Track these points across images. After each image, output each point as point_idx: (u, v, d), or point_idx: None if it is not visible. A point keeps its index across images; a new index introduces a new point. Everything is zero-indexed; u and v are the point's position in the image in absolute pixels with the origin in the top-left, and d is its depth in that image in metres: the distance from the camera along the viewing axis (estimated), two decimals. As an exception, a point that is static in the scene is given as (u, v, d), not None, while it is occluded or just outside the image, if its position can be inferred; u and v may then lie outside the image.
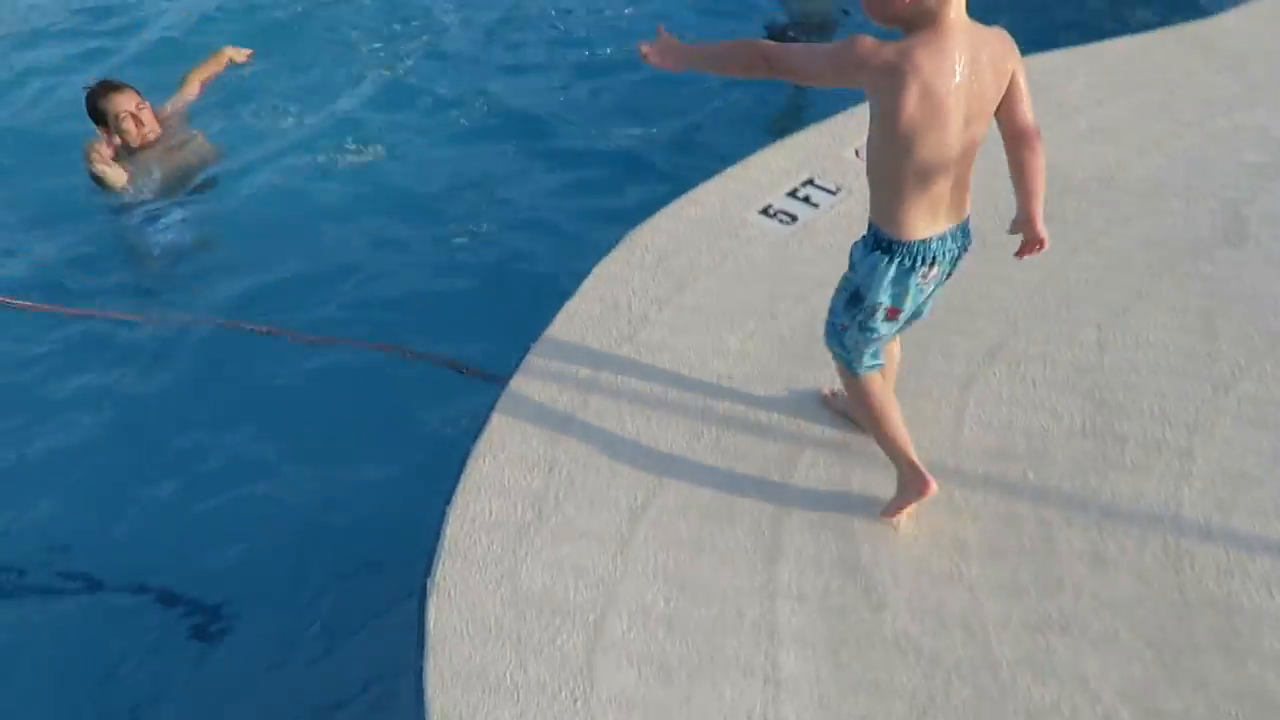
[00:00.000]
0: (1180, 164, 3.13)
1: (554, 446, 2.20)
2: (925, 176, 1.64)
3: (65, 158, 4.17)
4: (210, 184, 3.90)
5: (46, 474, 2.77)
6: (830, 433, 2.23)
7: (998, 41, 1.64)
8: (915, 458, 1.92)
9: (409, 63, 4.76)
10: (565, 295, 2.68)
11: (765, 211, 2.97)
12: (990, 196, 2.96)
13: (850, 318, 1.86)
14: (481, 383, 2.51)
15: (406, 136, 4.19)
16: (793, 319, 2.56)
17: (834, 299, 1.92)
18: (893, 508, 2.00)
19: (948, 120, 1.60)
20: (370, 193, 3.84)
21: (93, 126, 3.86)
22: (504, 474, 2.14)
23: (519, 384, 2.38)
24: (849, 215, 2.95)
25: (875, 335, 1.86)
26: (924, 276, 1.76)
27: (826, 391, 2.29)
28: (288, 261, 3.41)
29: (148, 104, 3.90)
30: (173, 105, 4.14)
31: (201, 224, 3.71)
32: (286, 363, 2.91)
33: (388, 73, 4.69)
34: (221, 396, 2.94)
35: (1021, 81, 1.70)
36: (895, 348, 2.08)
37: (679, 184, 3.20)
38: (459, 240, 3.54)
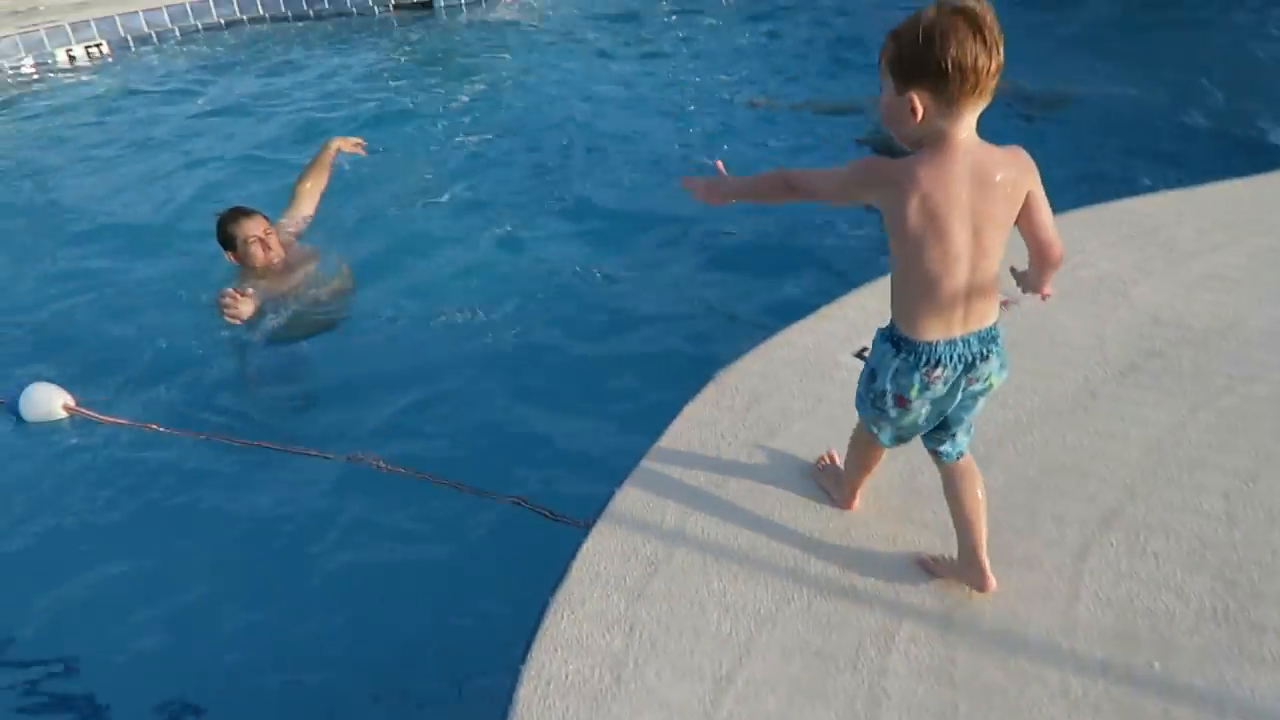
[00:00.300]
0: (1306, 317, 2.95)
1: (636, 603, 2.10)
2: (932, 284, 1.73)
3: (183, 267, 4.38)
4: (324, 307, 3.94)
5: (126, 589, 2.77)
6: (931, 603, 2.07)
7: (1011, 159, 1.71)
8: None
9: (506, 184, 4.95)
10: (653, 436, 2.62)
11: (860, 354, 2.89)
12: (1097, 343, 2.85)
13: (866, 393, 1.96)
14: (562, 527, 2.43)
15: (504, 273, 4.30)
16: (890, 472, 2.43)
17: (862, 371, 2.01)
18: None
19: (949, 232, 1.68)
20: (469, 326, 3.89)
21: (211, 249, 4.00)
22: (582, 631, 2.04)
23: (601, 532, 2.30)
24: (948, 361, 2.84)
25: (887, 417, 1.93)
26: (928, 375, 1.81)
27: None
28: (390, 392, 3.45)
29: (275, 230, 3.99)
30: (291, 223, 4.24)
31: (308, 352, 3.76)
32: (367, 492, 2.89)
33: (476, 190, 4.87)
34: (299, 524, 2.93)
35: (1041, 200, 1.75)
36: (973, 481, 2.04)
37: (768, 324, 3.16)
38: (543, 378, 3.53)
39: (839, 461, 2.37)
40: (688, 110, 6.30)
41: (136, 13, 8.54)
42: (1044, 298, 1.94)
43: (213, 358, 3.73)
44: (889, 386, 1.87)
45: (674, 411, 2.70)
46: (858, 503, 2.30)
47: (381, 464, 2.72)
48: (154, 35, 8.61)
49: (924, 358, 1.80)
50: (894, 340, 1.84)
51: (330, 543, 2.86)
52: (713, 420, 2.65)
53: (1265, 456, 2.41)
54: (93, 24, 8.35)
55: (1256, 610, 2.02)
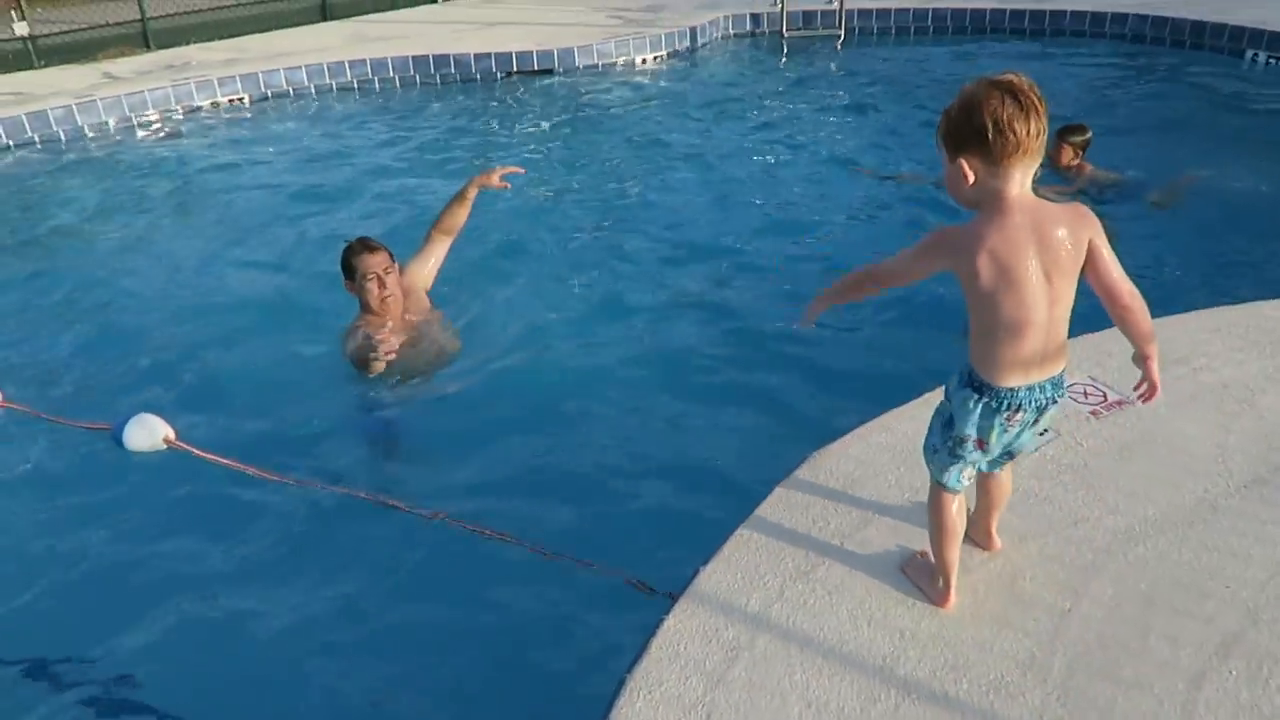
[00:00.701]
0: None
1: (714, 690, 2.04)
2: (1013, 333, 1.85)
3: (298, 315, 4.54)
4: (437, 369, 3.89)
5: (198, 625, 2.83)
6: (1027, 717, 1.95)
7: (1072, 214, 1.86)
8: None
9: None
10: (743, 513, 2.57)
11: (962, 446, 2.79)
12: (1219, 452, 2.69)
13: (942, 441, 2.05)
14: (645, 599, 2.39)
15: (600, 343, 4.32)
16: (988, 572, 2.33)
17: (932, 421, 2.11)
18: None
19: (1020, 281, 1.81)
20: (564, 388, 3.92)
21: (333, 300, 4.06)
22: (657, 715, 1.99)
23: (683, 611, 2.25)
24: (1057, 461, 2.74)
25: (965, 461, 2.04)
26: (1008, 419, 1.95)
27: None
28: (482, 450, 3.49)
29: (397, 269, 3.89)
30: (419, 267, 4.10)
31: (413, 413, 3.76)
32: (449, 551, 2.90)
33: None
34: (380, 580, 2.97)
35: (1102, 248, 1.87)
36: (1007, 480, 2.25)
37: (866, 409, 3.10)
38: (636, 444, 3.52)
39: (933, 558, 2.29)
40: (797, 181, 6.34)
41: (278, 70, 9.08)
42: (1152, 394, 2.02)
43: (317, 403, 3.83)
44: (971, 431, 1.98)
45: (766, 490, 2.66)
46: (953, 598, 2.21)
47: (464, 524, 2.74)
48: (291, 91, 9.12)
49: (1005, 403, 1.93)
50: (975, 387, 1.94)
51: (405, 597, 2.88)
52: (805, 503, 2.59)
53: None
54: (238, 79, 8.92)
55: (1396, 762, 1.84)
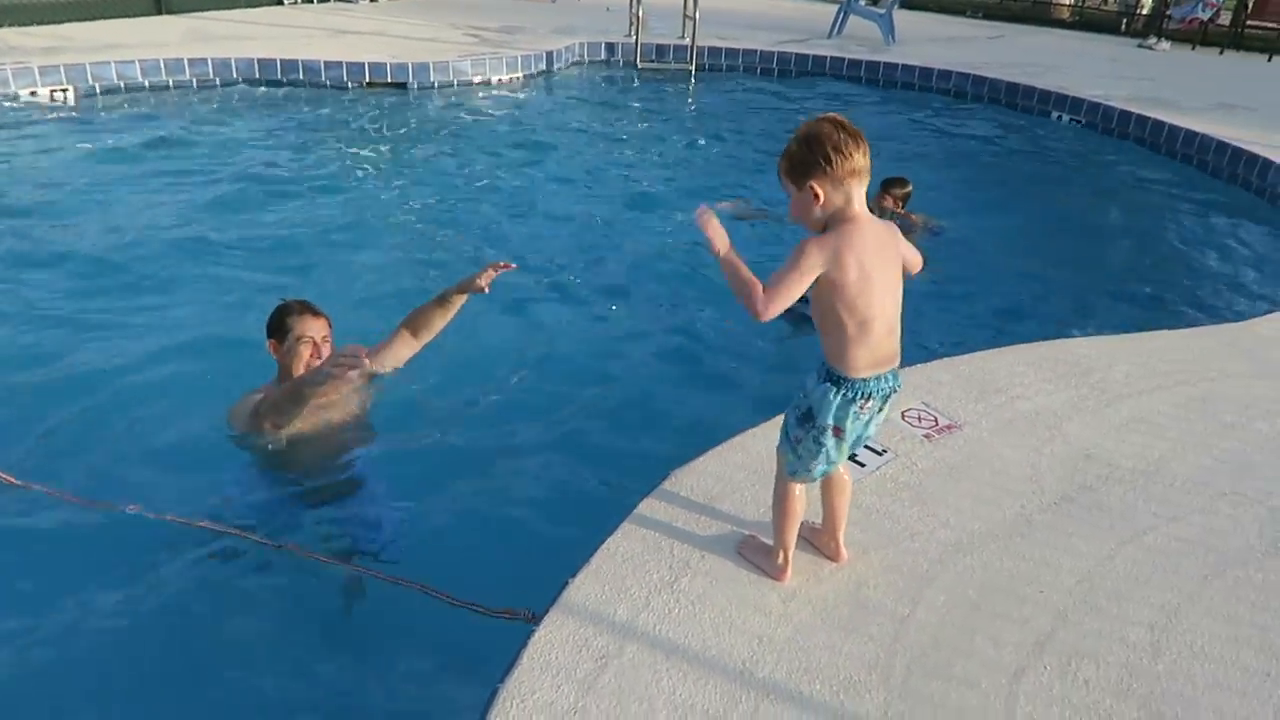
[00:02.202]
0: (1226, 466, 3.15)
1: (585, 696, 2.10)
2: (866, 329, 2.13)
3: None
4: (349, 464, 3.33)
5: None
6: (875, 714, 2.12)
7: (888, 227, 2.20)
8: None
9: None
10: (607, 530, 2.65)
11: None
12: (1033, 473, 2.99)
13: (804, 432, 2.27)
14: (507, 622, 2.43)
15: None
16: (836, 582, 2.50)
17: (786, 419, 2.34)
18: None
19: (874, 283, 2.11)
20: (428, 414, 3.78)
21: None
22: (531, 722, 2.04)
23: (552, 621, 2.31)
24: (895, 480, 2.96)
25: (824, 448, 2.27)
26: (861, 407, 2.21)
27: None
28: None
29: (331, 342, 3.35)
30: (378, 362, 3.46)
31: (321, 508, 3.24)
32: (316, 589, 2.86)
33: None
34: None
35: (906, 253, 2.23)
36: (847, 487, 2.49)
37: (716, 427, 3.25)
38: (502, 465, 3.54)
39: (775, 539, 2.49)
40: (650, 204, 6.53)
41: (108, 62, 8.55)
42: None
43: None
44: (830, 421, 2.22)
45: (630, 506, 2.75)
46: (790, 573, 2.47)
47: (317, 556, 2.71)
48: (123, 86, 8.61)
49: (859, 392, 2.19)
50: (834, 381, 2.19)
51: (258, 631, 2.79)
52: (669, 516, 2.70)
53: (1187, 594, 2.54)
54: (62, 69, 8.34)
55: (1178, 742, 2.11)
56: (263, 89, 9.02)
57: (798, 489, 2.39)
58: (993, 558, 2.64)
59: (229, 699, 2.56)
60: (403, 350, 3.56)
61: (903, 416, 3.30)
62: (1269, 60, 13.14)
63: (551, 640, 2.25)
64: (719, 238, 2.16)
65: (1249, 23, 14.31)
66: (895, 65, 10.47)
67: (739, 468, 2.95)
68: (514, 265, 3.46)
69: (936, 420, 3.30)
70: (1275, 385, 3.73)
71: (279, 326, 3.35)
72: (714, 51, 10.89)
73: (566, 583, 2.44)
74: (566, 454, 3.58)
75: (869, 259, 2.09)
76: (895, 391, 2.25)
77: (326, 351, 3.28)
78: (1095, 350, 3.89)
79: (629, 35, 11.19)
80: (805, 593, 2.46)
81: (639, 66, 10.71)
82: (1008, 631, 2.38)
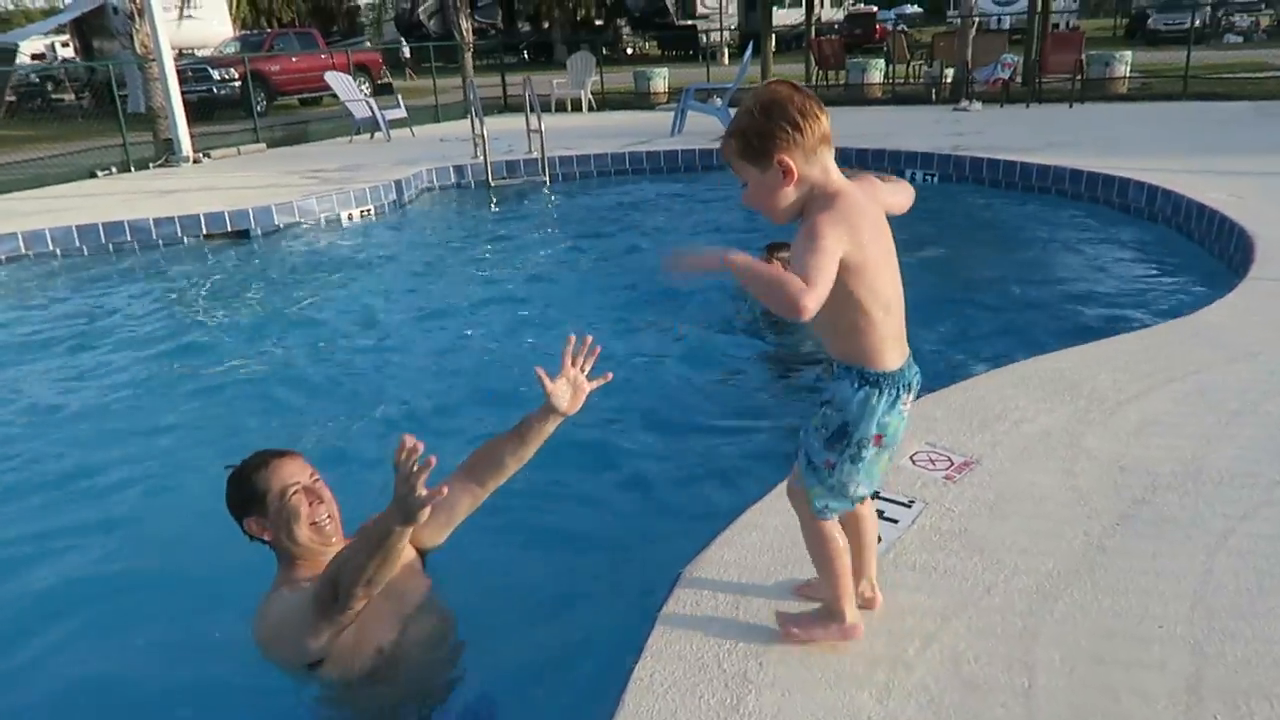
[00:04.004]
0: (1260, 453, 2.87)
1: None
2: (888, 310, 1.78)
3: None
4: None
5: None
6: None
7: (870, 189, 1.83)
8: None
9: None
10: (624, 657, 2.08)
11: (840, 533, 2.51)
12: (1078, 496, 2.58)
13: (837, 454, 1.86)
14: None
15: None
16: (928, 664, 2.00)
17: (809, 441, 1.90)
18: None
19: (888, 256, 1.78)
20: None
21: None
22: None
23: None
24: (938, 529, 2.52)
25: (863, 463, 1.87)
26: (905, 403, 1.85)
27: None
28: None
29: (325, 485, 2.48)
30: (421, 530, 2.22)
31: None
32: None
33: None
34: None
35: (886, 195, 1.87)
36: (872, 514, 2.09)
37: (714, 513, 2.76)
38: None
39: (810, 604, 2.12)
40: (543, 317, 6.06)
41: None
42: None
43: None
44: (872, 429, 1.83)
45: (646, 620, 2.19)
46: (861, 624, 2.03)
47: None
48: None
49: (899, 386, 1.83)
50: (871, 383, 1.81)
51: None
52: (701, 625, 2.15)
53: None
54: None
55: None
56: (85, 257, 8.16)
57: (834, 530, 1.98)
58: (1086, 598, 2.21)
59: None
60: (464, 502, 2.54)
61: (913, 461, 2.89)
62: (1070, 107, 14.11)
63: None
64: (714, 252, 1.72)
65: (1045, 74, 15.44)
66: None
67: (760, 550, 2.45)
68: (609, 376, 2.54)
69: (950, 460, 2.90)
70: (1254, 366, 3.55)
71: (249, 495, 2.40)
72: (565, 160, 10.73)
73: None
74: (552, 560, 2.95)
75: (869, 225, 1.75)
76: (919, 380, 1.91)
77: (328, 495, 2.44)
78: (1071, 362, 3.63)
79: (475, 157, 10.93)
80: (898, 684, 1.95)
81: (491, 184, 10.42)
82: (1150, 681, 1.93)
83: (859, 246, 1.70)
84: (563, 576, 2.90)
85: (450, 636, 2.50)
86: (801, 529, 2.01)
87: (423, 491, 1.81)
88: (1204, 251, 6.20)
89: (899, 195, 1.93)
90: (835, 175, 1.75)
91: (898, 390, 1.83)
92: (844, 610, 2.01)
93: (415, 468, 1.80)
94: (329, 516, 2.42)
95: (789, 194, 1.73)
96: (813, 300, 1.59)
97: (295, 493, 2.37)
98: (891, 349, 1.82)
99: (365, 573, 2.01)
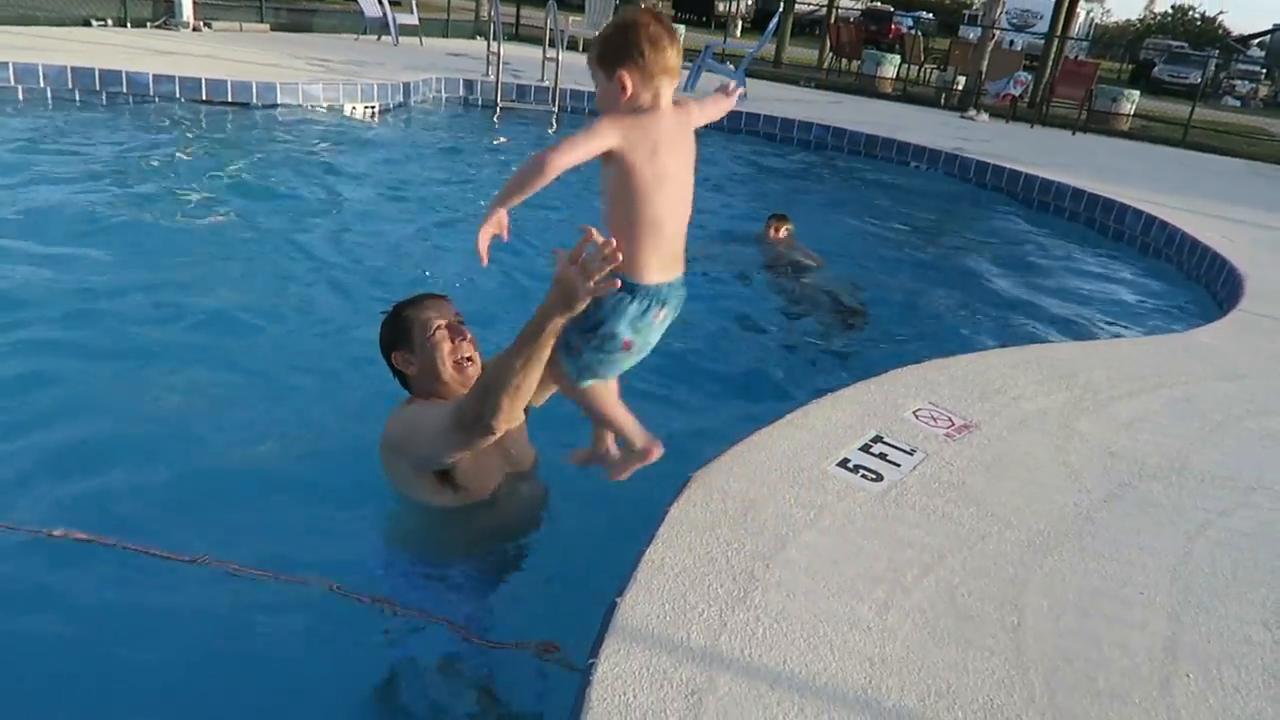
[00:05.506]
0: (1240, 461, 2.99)
1: (689, 743, 1.56)
2: (657, 230, 1.86)
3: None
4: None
5: None
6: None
7: (685, 120, 1.89)
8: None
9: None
10: (633, 543, 2.12)
11: (845, 465, 2.57)
12: (1070, 472, 2.66)
13: (585, 341, 1.96)
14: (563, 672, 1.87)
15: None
16: (925, 590, 2.08)
17: (569, 326, 1.98)
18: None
19: (672, 179, 1.84)
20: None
21: None
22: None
23: (615, 652, 1.75)
24: (938, 479, 2.59)
25: (611, 359, 1.97)
26: (656, 317, 1.94)
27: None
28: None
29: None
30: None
31: None
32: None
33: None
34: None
35: (699, 118, 1.93)
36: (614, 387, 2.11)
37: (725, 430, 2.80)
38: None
39: (605, 446, 2.14)
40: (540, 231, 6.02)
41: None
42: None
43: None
44: (625, 331, 1.92)
45: (653, 517, 2.24)
46: (657, 442, 2.08)
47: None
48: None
49: (653, 301, 1.91)
50: (626, 287, 1.88)
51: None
52: (710, 524, 2.20)
53: None
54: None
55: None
56: (77, 102, 7.92)
57: (596, 385, 2.03)
58: (1074, 558, 2.30)
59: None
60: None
61: (915, 415, 2.96)
62: (1073, 134, 14.30)
63: (621, 676, 1.69)
64: (489, 233, 1.82)
65: (1053, 99, 15.61)
66: (757, 115, 10.56)
67: (768, 468, 2.50)
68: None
69: (951, 420, 2.97)
70: (1240, 386, 3.68)
71: (399, 329, 2.52)
72: (576, 94, 10.62)
73: (615, 603, 1.89)
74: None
75: (664, 149, 1.82)
76: (683, 301, 1.97)
77: (471, 337, 2.54)
78: (1071, 355, 3.74)
79: (487, 75, 10.77)
80: (897, 603, 2.02)
81: (499, 105, 10.29)
82: (1131, 637, 2.03)
83: (637, 152, 1.79)
84: (575, 478, 2.94)
85: (542, 508, 2.66)
86: (576, 401, 2.07)
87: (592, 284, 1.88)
88: (1193, 283, 6.37)
89: (710, 108, 1.99)
90: (664, 103, 1.84)
91: (650, 303, 1.91)
92: (637, 439, 2.07)
93: (603, 255, 1.84)
94: (469, 359, 2.52)
95: (622, 105, 1.83)
96: (553, 154, 1.73)
97: (439, 328, 2.50)
98: (655, 266, 1.89)
99: (513, 376, 2.04)
